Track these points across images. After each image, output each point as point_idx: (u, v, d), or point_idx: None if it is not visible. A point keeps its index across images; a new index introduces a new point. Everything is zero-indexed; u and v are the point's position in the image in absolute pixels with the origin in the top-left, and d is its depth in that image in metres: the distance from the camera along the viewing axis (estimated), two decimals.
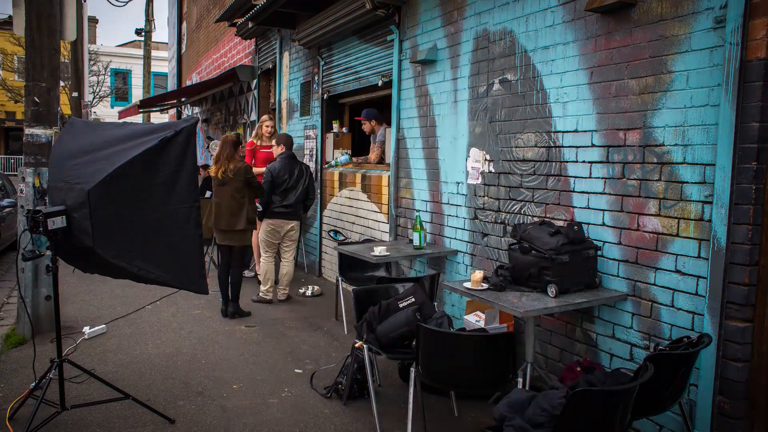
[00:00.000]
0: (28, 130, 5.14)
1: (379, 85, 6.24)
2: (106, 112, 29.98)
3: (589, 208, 3.69)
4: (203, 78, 14.02)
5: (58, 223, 3.16)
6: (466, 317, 4.14)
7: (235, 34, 10.25)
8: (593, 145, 3.65)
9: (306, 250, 8.13)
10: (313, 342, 5.12)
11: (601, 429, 2.26)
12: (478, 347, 3.04)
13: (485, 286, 3.51)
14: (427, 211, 5.38)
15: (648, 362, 2.41)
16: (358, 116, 7.33)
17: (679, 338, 2.93)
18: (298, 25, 7.68)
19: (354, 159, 7.22)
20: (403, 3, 5.60)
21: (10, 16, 8.38)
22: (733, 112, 2.82)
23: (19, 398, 3.72)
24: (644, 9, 3.30)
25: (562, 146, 3.87)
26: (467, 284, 3.57)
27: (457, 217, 4.97)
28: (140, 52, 27.91)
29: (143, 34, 24.91)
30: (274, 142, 6.71)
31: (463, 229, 4.89)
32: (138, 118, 22.09)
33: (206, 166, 11.92)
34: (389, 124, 6.06)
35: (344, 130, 7.70)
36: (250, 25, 8.58)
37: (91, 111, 18.22)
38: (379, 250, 4.73)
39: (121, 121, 13.81)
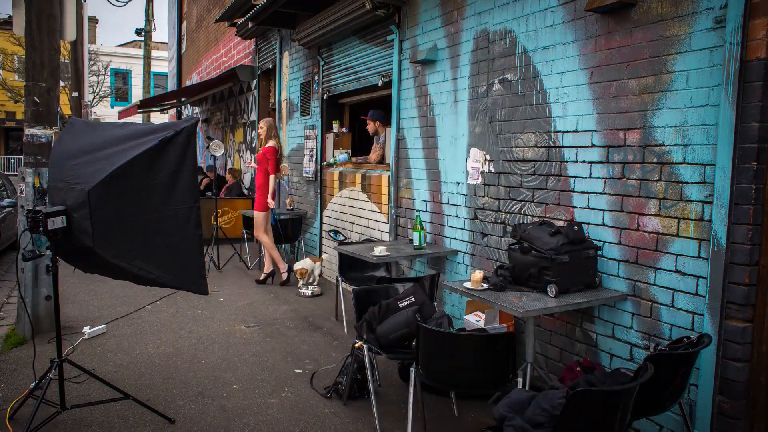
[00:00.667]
0: (28, 130, 5.14)
1: (379, 85, 6.24)
2: (106, 112, 29.98)
3: (589, 208, 3.69)
4: (203, 78, 14.03)
5: (58, 223, 3.15)
6: (466, 317, 4.14)
7: (235, 34, 10.26)
8: (593, 145, 3.65)
9: (306, 250, 8.13)
10: (313, 342, 5.12)
11: (601, 429, 2.27)
12: (478, 347, 3.05)
13: (485, 286, 3.51)
14: (427, 211, 5.38)
15: (648, 362, 2.41)
16: (357, 116, 7.34)
17: (679, 338, 2.94)
18: (298, 25, 7.68)
19: (353, 159, 7.22)
20: (403, 3, 5.60)
21: (10, 16, 8.38)
22: (733, 112, 2.82)
23: (19, 398, 3.72)
24: (644, 9, 3.30)
25: (562, 146, 3.87)
26: (467, 284, 3.56)
27: (457, 217, 4.97)
28: (140, 52, 27.90)
29: (143, 34, 24.90)
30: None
31: (463, 229, 4.89)
32: (138, 118, 22.10)
33: (212, 168, 11.95)
34: (389, 124, 6.06)
35: (344, 130, 7.70)
36: (250, 25, 8.59)
37: (91, 111, 18.23)
38: (379, 250, 4.73)
39: (121, 121, 13.82)
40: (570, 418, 2.21)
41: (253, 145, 10.56)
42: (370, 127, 6.78)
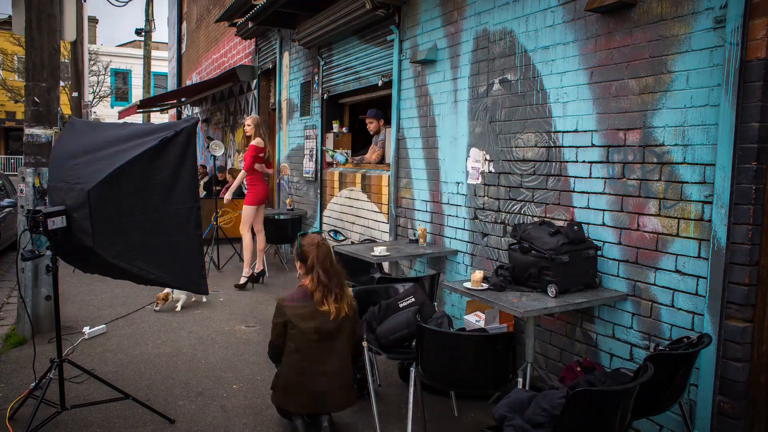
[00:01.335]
0: (28, 130, 5.14)
1: (379, 85, 6.24)
2: (106, 112, 29.98)
3: (589, 208, 3.69)
4: (203, 78, 14.03)
5: (58, 223, 3.15)
6: (466, 317, 4.14)
7: (235, 34, 10.26)
8: (593, 145, 3.65)
9: None
10: None
11: (601, 429, 2.27)
12: (477, 347, 3.05)
13: (485, 286, 3.51)
14: (427, 211, 5.39)
15: (648, 362, 2.41)
16: (357, 116, 7.33)
17: (680, 338, 2.94)
18: (298, 25, 7.68)
19: (351, 158, 7.22)
20: (403, 3, 5.60)
21: (10, 16, 8.38)
22: (733, 112, 2.82)
23: (19, 398, 3.72)
24: (644, 9, 3.30)
25: (562, 146, 3.87)
26: (467, 284, 3.56)
27: (457, 217, 4.97)
28: (140, 52, 27.90)
29: (143, 34, 24.90)
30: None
31: (463, 229, 4.89)
32: (138, 118, 22.11)
33: (221, 169, 11.92)
34: (389, 124, 6.06)
35: (344, 130, 7.70)
36: (250, 25, 8.59)
37: (91, 111, 18.23)
38: (379, 250, 4.73)
39: (121, 121, 13.81)
40: (570, 419, 2.21)
41: None
42: (373, 126, 6.76)
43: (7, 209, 8.91)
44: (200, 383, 4.18)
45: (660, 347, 2.93)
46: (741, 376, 2.88)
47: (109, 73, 30.90)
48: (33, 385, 3.56)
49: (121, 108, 20.12)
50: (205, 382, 4.20)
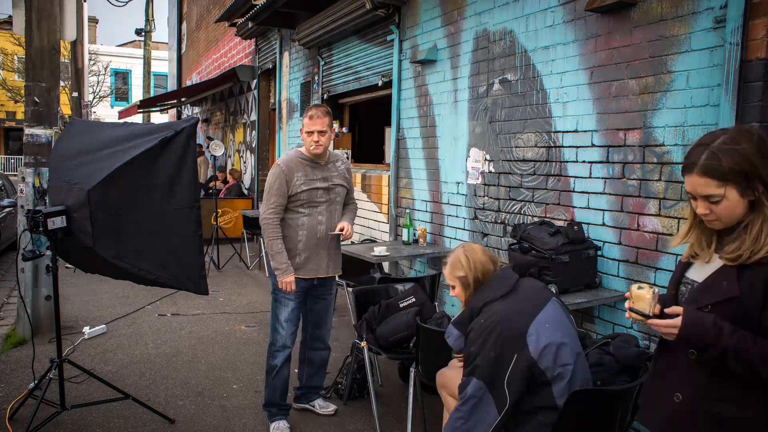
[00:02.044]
0: (28, 130, 5.14)
1: (379, 85, 6.24)
2: (106, 112, 29.98)
3: (589, 208, 3.69)
4: (203, 78, 14.03)
5: (58, 223, 3.14)
6: None
7: (235, 34, 10.26)
8: (593, 145, 3.65)
9: None
10: None
11: (601, 428, 2.26)
12: None
13: None
14: (427, 211, 5.39)
15: (648, 362, 2.40)
16: (357, 116, 7.33)
17: None
18: (298, 25, 7.68)
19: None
20: (403, 3, 5.60)
21: (10, 16, 8.38)
22: (733, 112, 2.82)
23: (18, 398, 3.72)
24: (644, 9, 3.30)
25: (562, 146, 3.87)
26: None
27: (457, 217, 4.97)
28: (140, 52, 27.90)
29: (143, 34, 24.90)
30: None
31: (463, 229, 4.89)
32: (138, 118, 22.10)
33: (222, 168, 11.95)
34: (389, 125, 6.06)
35: (344, 130, 7.70)
36: (250, 25, 8.59)
37: (91, 111, 18.22)
38: (379, 250, 4.73)
39: (121, 121, 13.81)
40: (570, 418, 2.21)
41: (253, 145, 10.56)
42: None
43: (7, 209, 8.91)
44: (200, 383, 4.18)
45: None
46: None
47: (109, 73, 30.91)
48: (32, 385, 3.56)
49: (121, 108, 20.12)
50: (205, 382, 4.20)
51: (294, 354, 3.57)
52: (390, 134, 6.06)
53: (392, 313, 3.64)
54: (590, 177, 3.67)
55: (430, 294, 4.09)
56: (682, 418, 1.62)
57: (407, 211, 5.28)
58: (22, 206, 5.06)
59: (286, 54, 8.81)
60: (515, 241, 3.66)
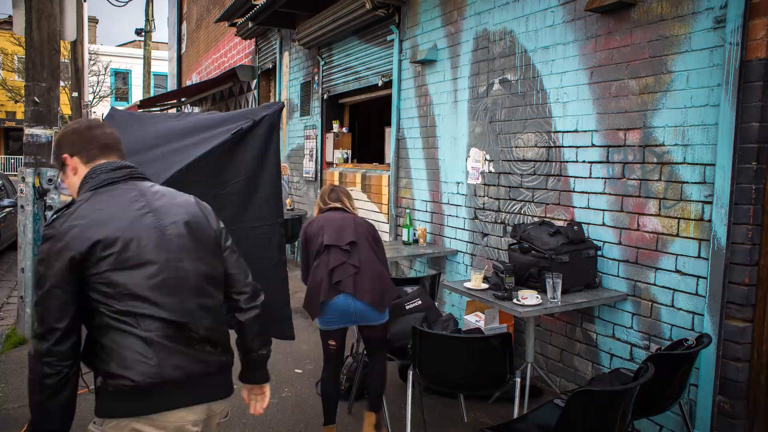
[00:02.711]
0: (28, 130, 5.14)
1: (379, 85, 6.24)
2: (106, 112, 29.93)
3: (589, 208, 3.69)
4: (203, 78, 14.02)
5: None
6: (466, 317, 4.13)
7: (235, 34, 10.25)
8: (593, 145, 3.65)
9: None
10: (313, 342, 5.11)
11: (601, 429, 2.26)
12: (472, 348, 3.02)
13: (485, 286, 3.51)
14: (427, 211, 5.39)
15: (648, 363, 2.40)
16: (357, 116, 7.32)
17: (679, 340, 2.93)
18: (298, 25, 7.68)
19: None
20: (403, 3, 5.60)
21: (10, 16, 8.38)
22: (733, 112, 2.82)
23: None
24: (644, 9, 3.30)
25: (562, 146, 3.87)
26: (468, 284, 3.56)
27: (457, 217, 4.97)
28: (140, 52, 27.91)
29: (143, 34, 24.91)
30: None
31: (463, 229, 4.89)
32: None
33: None
34: (389, 125, 6.06)
35: (344, 130, 7.70)
36: (250, 25, 8.59)
37: (91, 111, 18.23)
38: None
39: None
40: (570, 418, 2.20)
41: None
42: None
43: (7, 209, 8.91)
44: None
45: (660, 349, 2.93)
46: (741, 376, 2.88)
47: (109, 73, 30.90)
48: None
49: (121, 108, 20.05)
50: None
51: None
52: (390, 134, 6.06)
53: (398, 315, 3.61)
54: (590, 177, 3.67)
55: (431, 293, 4.09)
56: None
57: (407, 211, 5.29)
58: (22, 206, 5.06)
59: (286, 54, 8.81)
60: (515, 241, 3.65)
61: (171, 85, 18.71)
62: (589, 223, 3.69)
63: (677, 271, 3.15)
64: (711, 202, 2.96)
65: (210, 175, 2.47)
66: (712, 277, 2.94)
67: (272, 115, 2.58)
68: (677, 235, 3.15)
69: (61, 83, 11.49)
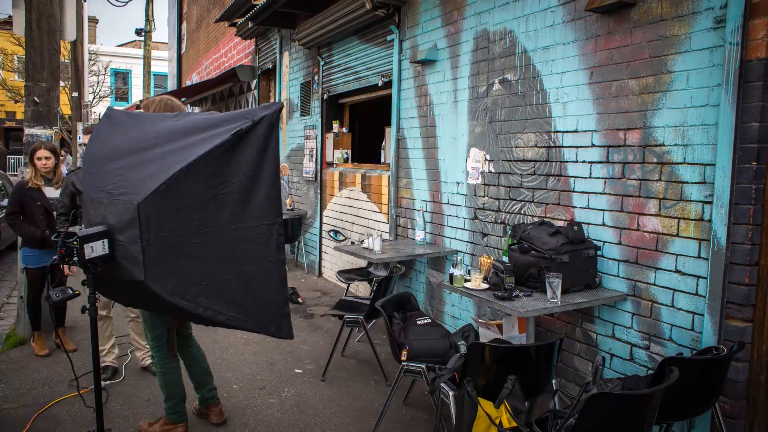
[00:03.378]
0: (28, 130, 5.14)
1: (379, 85, 6.24)
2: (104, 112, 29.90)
3: (589, 208, 3.69)
4: (203, 78, 14.03)
5: (98, 249, 2.36)
6: (481, 330, 4.01)
7: (235, 34, 10.25)
8: (593, 145, 3.65)
9: (306, 250, 8.14)
10: (313, 342, 5.12)
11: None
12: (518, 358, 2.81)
13: (485, 286, 3.51)
14: (427, 211, 5.39)
15: (674, 367, 2.34)
16: (357, 116, 7.32)
17: (708, 348, 2.89)
18: (298, 25, 7.68)
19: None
20: (403, 3, 5.60)
21: (10, 16, 8.38)
22: (733, 112, 2.82)
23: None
24: (644, 9, 3.30)
25: (562, 146, 3.87)
26: (468, 284, 3.56)
27: (457, 217, 4.97)
28: (140, 52, 27.91)
29: (143, 34, 24.91)
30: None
31: (463, 229, 4.89)
32: None
33: None
34: (389, 125, 6.07)
35: (344, 130, 7.70)
36: (250, 25, 8.59)
37: (91, 111, 18.23)
38: (373, 244, 4.72)
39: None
40: (588, 423, 2.14)
41: None
42: None
43: None
44: None
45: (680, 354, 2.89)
46: (741, 376, 2.89)
47: (109, 73, 30.88)
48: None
49: (121, 108, 20.03)
50: None
51: None
52: (390, 134, 6.06)
53: (411, 327, 3.60)
54: (590, 177, 3.67)
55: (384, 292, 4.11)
56: None
57: (422, 212, 5.22)
58: None
59: (286, 54, 8.81)
60: (515, 241, 3.65)
61: (171, 85, 18.71)
62: (589, 223, 3.69)
63: (677, 271, 3.16)
64: (711, 202, 2.96)
65: (209, 175, 2.47)
66: (712, 277, 2.94)
67: (271, 115, 2.59)
68: (677, 235, 3.15)
69: (61, 83, 11.49)
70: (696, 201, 3.05)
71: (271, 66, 9.53)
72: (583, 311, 3.72)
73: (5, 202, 8.92)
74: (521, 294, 3.34)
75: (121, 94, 33.41)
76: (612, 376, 3.51)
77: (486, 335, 3.94)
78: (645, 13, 3.30)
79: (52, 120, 5.21)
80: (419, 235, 5.20)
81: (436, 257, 5.19)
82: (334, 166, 7.49)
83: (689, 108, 3.07)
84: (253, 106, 10.51)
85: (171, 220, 2.40)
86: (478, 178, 4.68)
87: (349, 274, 5.64)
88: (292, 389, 4.11)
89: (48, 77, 5.17)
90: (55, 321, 4.55)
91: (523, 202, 4.23)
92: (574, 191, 3.80)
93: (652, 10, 3.25)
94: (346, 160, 7.46)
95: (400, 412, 3.76)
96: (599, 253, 3.59)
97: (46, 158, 4.53)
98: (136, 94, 30.90)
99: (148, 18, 24.08)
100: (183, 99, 14.79)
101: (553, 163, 3.94)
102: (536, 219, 4.06)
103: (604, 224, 3.60)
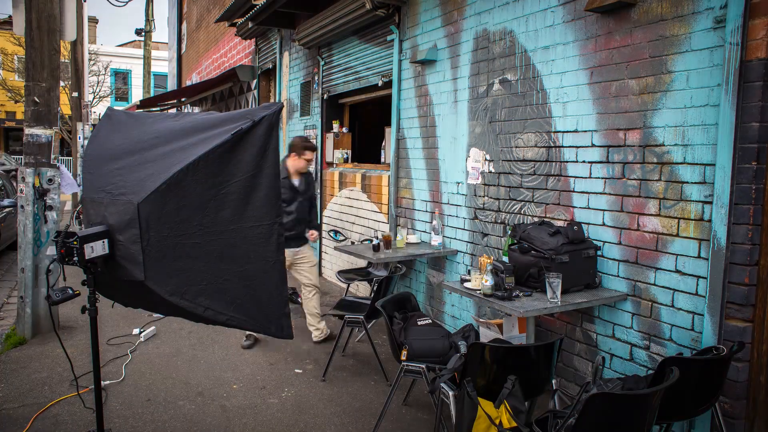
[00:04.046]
0: (28, 130, 5.14)
1: (379, 85, 6.24)
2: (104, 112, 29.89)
3: (589, 208, 3.69)
4: (203, 78, 14.03)
5: (98, 249, 2.38)
6: (481, 329, 4.02)
7: (235, 34, 10.25)
8: (593, 145, 3.65)
9: None
10: (313, 341, 5.12)
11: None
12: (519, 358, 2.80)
13: (489, 284, 3.50)
14: (427, 211, 5.38)
15: (674, 367, 2.35)
16: (357, 116, 7.31)
17: (708, 348, 2.90)
18: (298, 25, 7.68)
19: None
20: (403, 3, 5.60)
21: (10, 16, 8.38)
22: (733, 112, 2.82)
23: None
24: (644, 9, 3.30)
25: (562, 146, 3.87)
26: (468, 284, 3.56)
27: (457, 217, 4.97)
28: (140, 52, 27.91)
29: (143, 34, 24.90)
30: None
31: (463, 229, 4.89)
32: None
33: None
34: (389, 125, 6.06)
35: (344, 130, 7.70)
36: (250, 25, 8.59)
37: (91, 111, 18.22)
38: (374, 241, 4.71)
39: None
40: (587, 423, 2.14)
41: None
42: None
43: (7, 209, 8.91)
44: (200, 383, 4.18)
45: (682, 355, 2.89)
46: (741, 376, 2.89)
47: (109, 73, 30.87)
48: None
49: (121, 108, 20.03)
50: (205, 382, 4.20)
51: None
52: (390, 134, 6.06)
53: (411, 328, 3.60)
54: (590, 177, 3.67)
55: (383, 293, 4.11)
56: None
57: (438, 215, 5.11)
58: (22, 206, 5.06)
59: (286, 54, 8.81)
60: (515, 241, 3.65)
61: (171, 85, 18.71)
62: (589, 223, 3.69)
63: (677, 271, 3.16)
64: (711, 202, 2.96)
65: (209, 175, 2.48)
66: (712, 277, 2.94)
67: (271, 115, 2.60)
68: (677, 235, 3.15)
69: (61, 83, 11.49)
70: (696, 201, 3.05)
71: (271, 66, 9.53)
72: (583, 311, 3.72)
73: (6, 202, 8.93)
74: (521, 294, 3.34)
75: (121, 94, 33.40)
76: (612, 376, 3.51)
77: (486, 335, 3.94)
78: (645, 13, 3.30)
79: (52, 120, 5.21)
80: (435, 240, 5.00)
81: (436, 257, 5.19)
82: (334, 166, 7.49)
83: (689, 108, 3.07)
84: (253, 106, 10.51)
85: (171, 220, 2.41)
86: (478, 178, 4.68)
87: (349, 274, 5.64)
88: (292, 389, 4.11)
89: (48, 77, 5.17)
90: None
91: (523, 202, 4.23)
92: (574, 191, 3.80)
93: (652, 10, 3.25)
94: (346, 160, 7.46)
95: (400, 412, 3.77)
96: (599, 253, 3.59)
97: None
98: (136, 94, 30.89)
99: (148, 18, 24.07)
100: (183, 99, 14.80)
101: (553, 163, 3.94)
102: (536, 219, 4.06)
103: (604, 224, 3.60)
